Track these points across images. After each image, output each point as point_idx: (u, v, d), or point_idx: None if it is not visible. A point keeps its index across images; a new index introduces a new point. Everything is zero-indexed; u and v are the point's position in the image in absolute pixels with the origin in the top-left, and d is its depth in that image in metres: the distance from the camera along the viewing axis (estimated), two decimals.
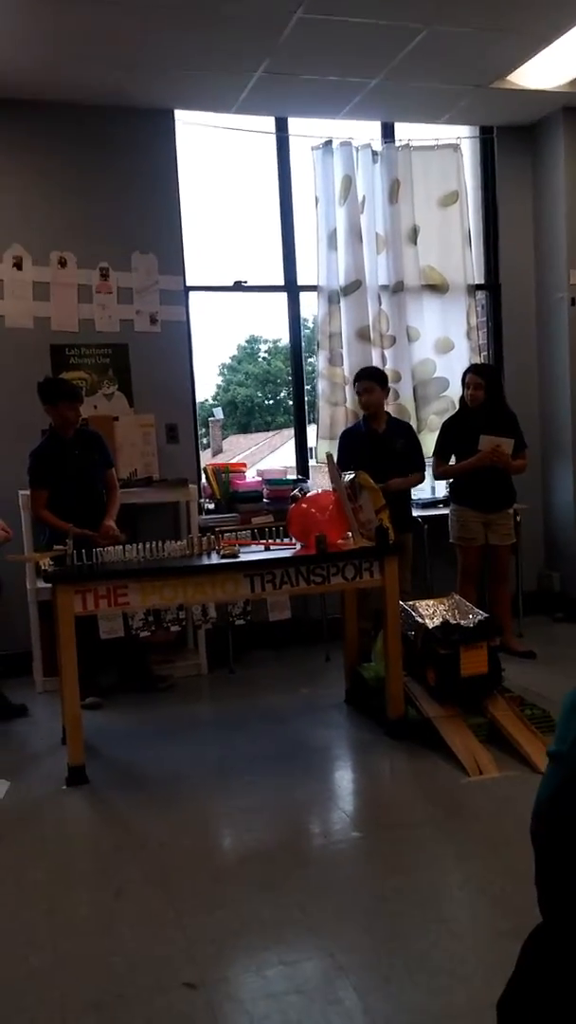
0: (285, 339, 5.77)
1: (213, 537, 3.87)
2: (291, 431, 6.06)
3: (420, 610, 3.96)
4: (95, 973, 2.24)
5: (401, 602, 3.90)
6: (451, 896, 2.56)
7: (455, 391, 5.33)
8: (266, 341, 16.81)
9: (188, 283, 5.25)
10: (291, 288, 5.52)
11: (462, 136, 5.69)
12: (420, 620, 3.87)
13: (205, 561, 3.66)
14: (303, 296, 5.55)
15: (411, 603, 4.03)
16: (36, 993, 2.17)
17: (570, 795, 1.11)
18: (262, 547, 3.89)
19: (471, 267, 5.67)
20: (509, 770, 3.34)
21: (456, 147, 5.63)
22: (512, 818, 2.97)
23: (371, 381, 4.72)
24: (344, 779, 3.57)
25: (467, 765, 3.36)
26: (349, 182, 5.39)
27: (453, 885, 2.64)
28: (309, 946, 2.31)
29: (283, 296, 5.55)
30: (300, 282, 5.53)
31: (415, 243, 5.54)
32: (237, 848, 2.97)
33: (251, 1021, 2.02)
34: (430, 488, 5.77)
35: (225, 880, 2.70)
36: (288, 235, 5.50)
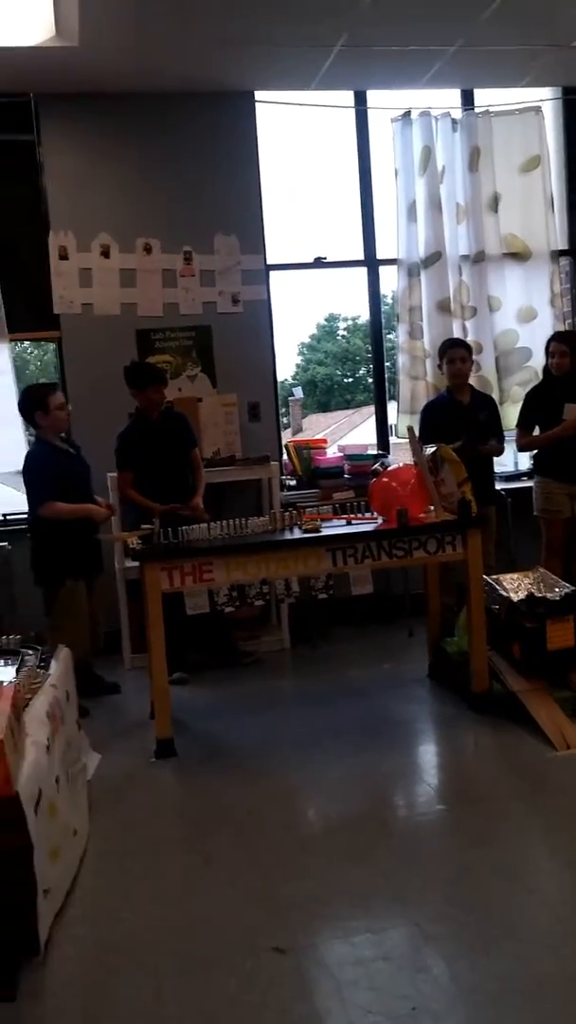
0: (364, 316, 5.76)
1: (295, 512, 3.90)
2: (371, 409, 6.04)
3: (504, 584, 3.90)
4: (186, 937, 2.31)
5: (485, 576, 3.85)
6: (537, 868, 2.54)
7: (538, 361, 5.20)
8: (345, 319, 16.71)
9: (268, 262, 5.26)
10: (371, 262, 5.48)
11: (544, 99, 5.50)
12: (504, 594, 3.81)
13: (287, 536, 3.70)
14: (383, 271, 5.49)
15: (495, 577, 3.98)
16: (131, 955, 2.25)
17: None
18: (344, 522, 3.90)
19: (554, 233, 5.50)
20: None
21: (538, 110, 5.45)
22: None
23: (464, 350, 4.68)
24: (428, 752, 3.57)
25: (554, 739, 3.32)
26: (428, 152, 5.29)
27: (540, 857, 2.62)
28: (395, 915, 2.34)
29: (363, 271, 5.51)
30: (379, 256, 5.47)
31: (496, 211, 5.41)
32: (322, 819, 3.01)
33: (338, 987, 2.06)
34: (513, 460, 5.66)
35: (311, 849, 2.74)
36: (367, 209, 5.45)
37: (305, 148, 6.15)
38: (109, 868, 2.72)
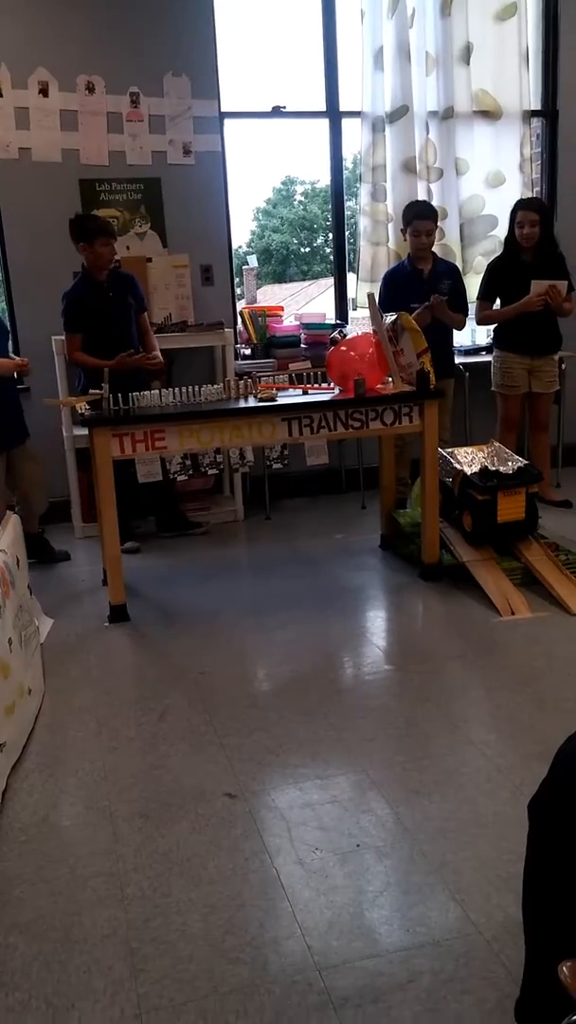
0: (323, 181, 5.47)
1: (250, 381, 3.81)
2: (329, 281, 5.83)
3: (459, 457, 3.92)
4: (141, 785, 2.39)
5: (439, 449, 3.86)
6: (481, 722, 2.66)
7: (503, 230, 5.05)
8: (303, 183, 15.92)
9: (223, 109, 4.92)
10: (333, 114, 5.16)
11: None
12: (458, 466, 3.84)
13: (242, 405, 3.62)
14: (345, 124, 5.19)
15: (449, 450, 3.99)
16: (87, 802, 2.33)
17: None
18: (300, 391, 3.83)
19: (527, 91, 5.23)
20: (541, 611, 3.40)
21: None
22: (542, 655, 3.05)
23: (431, 222, 4.47)
24: (378, 618, 3.67)
25: (499, 606, 3.42)
26: None
27: (483, 712, 2.74)
28: (343, 763, 2.44)
29: (324, 125, 5.20)
30: (343, 108, 5.15)
31: (467, 63, 5.10)
32: (274, 678, 3.09)
33: (288, 827, 2.16)
34: (470, 334, 5.58)
35: (263, 705, 2.82)
36: (331, 55, 5.09)
37: None
38: (65, 724, 2.77)
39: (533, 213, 4.52)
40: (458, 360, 5.09)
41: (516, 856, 1.36)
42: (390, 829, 2.12)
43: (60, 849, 2.14)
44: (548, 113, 5.45)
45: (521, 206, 4.62)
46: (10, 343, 4.37)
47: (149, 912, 1.89)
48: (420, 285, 4.50)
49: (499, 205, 5.25)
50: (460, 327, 4.72)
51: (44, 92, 4.61)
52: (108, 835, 2.17)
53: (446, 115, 5.14)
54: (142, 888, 1.97)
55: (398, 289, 4.52)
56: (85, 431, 3.68)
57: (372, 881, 1.95)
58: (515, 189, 5.25)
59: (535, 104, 5.39)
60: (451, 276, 4.62)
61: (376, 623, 3.61)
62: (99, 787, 2.39)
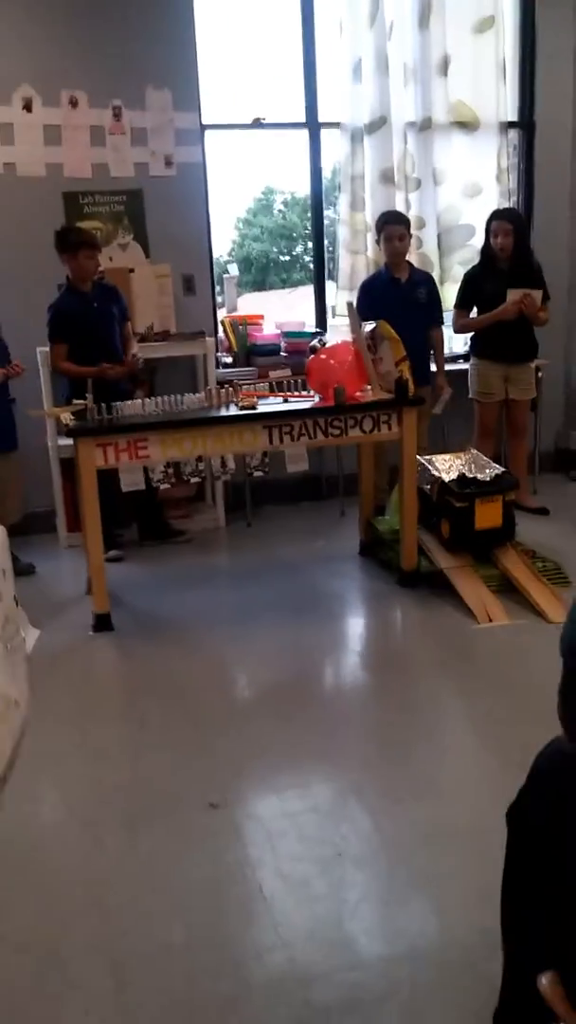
0: (301, 191, 5.50)
1: (231, 389, 3.84)
2: (309, 289, 5.87)
3: (437, 464, 3.97)
4: (124, 795, 2.41)
5: (417, 456, 3.90)
6: (460, 729, 2.70)
7: (481, 240, 5.10)
8: (283, 193, 15.96)
9: (204, 121, 4.95)
10: (312, 125, 5.20)
11: None
12: (436, 474, 3.89)
13: (223, 413, 3.66)
14: (324, 135, 5.23)
15: (427, 457, 4.04)
16: (70, 813, 2.35)
17: None
18: (280, 399, 3.87)
19: (504, 102, 5.29)
20: (519, 619, 3.45)
21: None
22: (521, 662, 3.10)
23: (403, 227, 4.53)
24: (357, 625, 3.71)
25: (477, 613, 3.47)
26: (376, 5, 4.96)
27: (462, 719, 2.79)
28: (323, 771, 2.48)
29: (303, 136, 5.23)
30: (322, 119, 5.19)
31: (445, 75, 5.15)
32: (254, 685, 3.12)
33: (269, 836, 2.19)
34: (448, 342, 5.63)
35: (243, 713, 2.86)
36: (310, 67, 5.12)
37: None
38: (49, 735, 2.79)
39: (507, 223, 4.58)
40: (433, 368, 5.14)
41: (495, 864, 1.39)
42: (370, 838, 2.16)
43: (43, 860, 2.16)
44: (525, 124, 5.52)
45: (496, 216, 4.68)
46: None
47: (130, 923, 1.91)
48: (397, 294, 4.55)
49: (476, 215, 5.30)
50: (442, 339, 4.80)
51: (28, 108, 4.62)
52: (90, 845, 2.20)
53: (424, 126, 5.19)
54: (124, 899, 1.99)
55: (375, 297, 4.56)
56: (70, 441, 3.70)
57: (353, 891, 1.98)
58: (492, 199, 5.31)
59: (512, 115, 5.45)
60: (427, 285, 4.68)
61: (355, 630, 3.65)
62: (82, 797, 2.42)
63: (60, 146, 4.70)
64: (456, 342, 5.59)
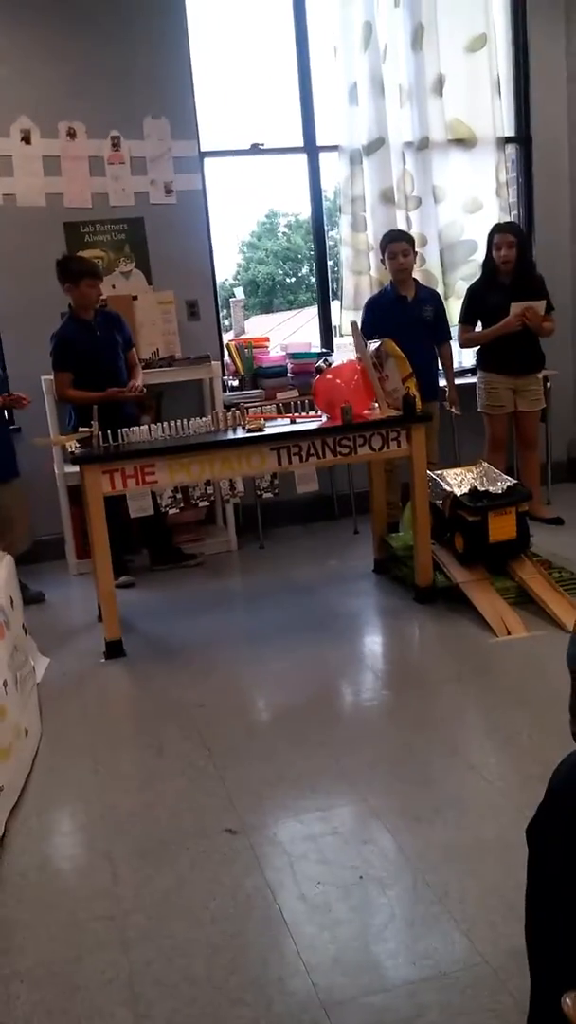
0: (305, 213, 5.53)
1: (238, 412, 3.84)
2: (314, 309, 5.90)
3: (448, 478, 3.94)
4: (140, 824, 2.37)
5: (428, 471, 3.87)
6: (480, 745, 2.64)
7: (483, 255, 5.11)
8: (285, 215, 16.15)
9: (203, 148, 5.00)
10: (311, 149, 5.25)
11: None
12: (448, 488, 3.85)
13: (231, 436, 3.64)
14: (323, 158, 5.27)
15: (438, 472, 4.01)
16: (86, 844, 2.30)
17: None
18: (288, 420, 3.86)
19: (500, 118, 5.32)
20: (537, 630, 3.39)
21: None
22: (540, 674, 3.04)
23: (406, 243, 4.54)
24: (373, 643, 3.66)
25: (495, 626, 3.42)
26: (370, 28, 5.02)
27: (480, 735, 2.73)
28: (343, 793, 2.42)
29: (303, 160, 5.28)
30: (320, 143, 5.24)
31: (440, 94, 5.20)
32: (271, 708, 3.07)
33: (290, 861, 2.13)
34: (456, 356, 5.62)
35: (260, 736, 2.81)
36: (306, 91, 5.19)
37: (239, 25, 5.76)
38: (62, 765, 2.75)
39: (510, 235, 4.59)
40: (444, 382, 5.13)
41: (521, 881, 1.34)
42: (392, 859, 2.10)
43: (59, 893, 2.11)
44: (522, 139, 5.54)
45: (498, 229, 4.69)
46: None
47: (151, 955, 1.86)
48: (404, 311, 4.55)
49: (478, 230, 5.31)
50: (450, 355, 4.80)
51: (27, 139, 4.68)
52: (107, 877, 2.15)
53: (421, 145, 5.22)
54: (143, 930, 1.94)
55: (381, 314, 4.56)
56: (76, 469, 3.70)
57: (376, 914, 1.93)
58: (493, 214, 5.32)
59: (509, 131, 5.48)
60: (433, 302, 4.68)
61: (372, 648, 3.60)
62: (97, 827, 2.37)
63: (60, 176, 4.76)
64: (464, 356, 5.59)
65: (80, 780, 2.64)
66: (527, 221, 5.59)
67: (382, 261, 4.68)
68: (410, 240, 4.61)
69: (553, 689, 2.90)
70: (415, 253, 4.63)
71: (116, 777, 2.64)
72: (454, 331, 4.91)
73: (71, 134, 4.74)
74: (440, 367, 4.80)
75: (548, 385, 5.02)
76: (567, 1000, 1.03)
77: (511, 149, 5.55)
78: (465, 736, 2.70)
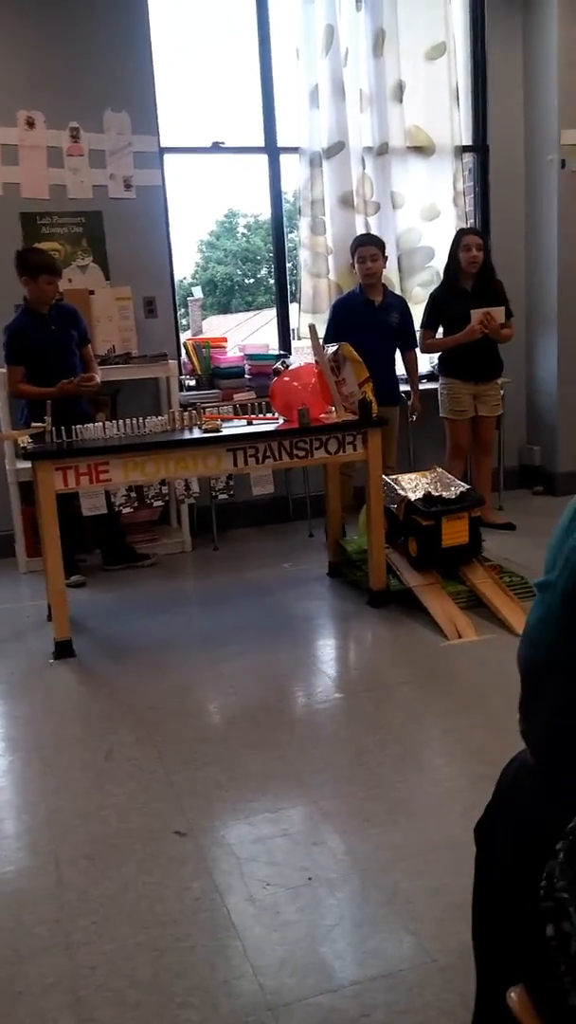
0: (265, 214, 5.53)
1: (195, 412, 3.81)
2: (273, 311, 5.90)
3: (402, 483, 3.96)
4: (87, 827, 2.33)
5: (384, 476, 3.89)
6: (431, 747, 2.66)
7: (440, 261, 5.16)
8: (245, 216, 16.15)
9: (163, 144, 4.97)
10: (271, 150, 5.25)
11: None
12: (402, 493, 3.88)
13: (187, 436, 3.62)
14: (284, 160, 5.27)
15: (393, 477, 4.04)
16: (31, 847, 2.26)
17: (554, 618, 1.13)
18: (244, 422, 3.84)
19: (458, 127, 5.39)
20: (487, 634, 3.43)
21: None
22: (490, 676, 3.07)
23: (375, 248, 4.55)
24: (327, 646, 3.66)
25: (446, 629, 3.45)
26: (331, 32, 5.04)
27: (433, 737, 2.75)
28: (293, 795, 2.41)
29: (263, 161, 5.28)
30: (280, 144, 5.24)
31: (400, 100, 5.24)
32: (223, 710, 3.06)
33: (238, 863, 2.12)
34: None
35: (211, 739, 2.79)
36: (268, 92, 5.18)
37: (202, 22, 5.74)
38: (9, 766, 2.69)
39: (478, 238, 4.66)
40: (403, 388, 5.16)
41: (469, 881, 1.35)
42: (342, 860, 2.10)
43: (3, 896, 2.07)
44: (479, 148, 5.62)
45: (466, 232, 4.76)
46: None
47: (95, 959, 1.83)
48: (371, 315, 4.57)
49: (435, 237, 5.38)
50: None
51: None
52: (52, 880, 2.11)
53: (381, 151, 5.26)
54: (88, 934, 1.91)
55: (347, 317, 4.57)
56: (28, 465, 3.63)
57: (325, 915, 1.92)
58: (450, 222, 5.38)
59: (466, 140, 5.55)
60: (400, 309, 4.71)
61: (325, 651, 3.60)
62: (43, 830, 2.33)
63: (17, 165, 4.67)
64: (423, 362, 5.64)
65: (26, 782, 2.59)
66: (483, 229, 5.65)
67: (352, 265, 4.68)
68: (380, 245, 4.61)
69: (503, 691, 2.93)
70: (385, 258, 4.65)
71: (63, 779, 2.60)
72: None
73: (30, 123, 4.66)
74: (403, 373, 4.84)
75: (503, 392, 5.09)
76: (512, 995, 1.04)
77: (468, 158, 5.62)
78: (417, 738, 2.72)
